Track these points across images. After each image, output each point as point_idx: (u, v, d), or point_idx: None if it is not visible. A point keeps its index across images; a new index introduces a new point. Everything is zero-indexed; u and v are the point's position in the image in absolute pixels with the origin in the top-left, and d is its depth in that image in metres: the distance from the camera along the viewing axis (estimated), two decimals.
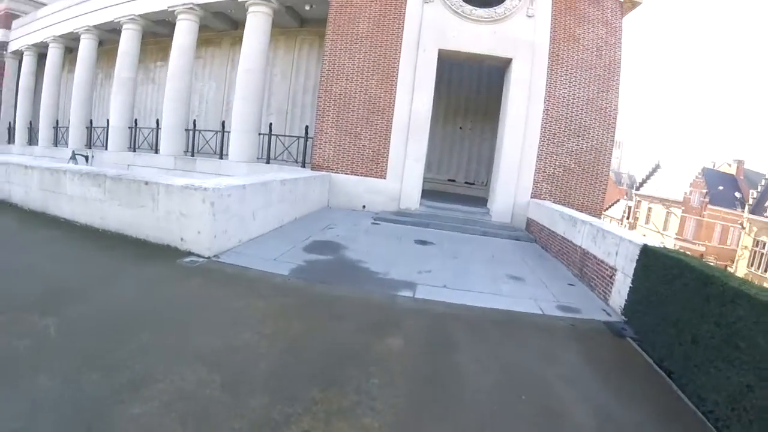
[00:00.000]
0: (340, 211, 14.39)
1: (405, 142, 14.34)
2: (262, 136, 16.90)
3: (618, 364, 5.53)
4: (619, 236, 7.76)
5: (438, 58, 14.40)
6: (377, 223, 12.86)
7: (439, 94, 19.13)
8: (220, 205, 7.76)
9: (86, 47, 21.93)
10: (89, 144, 21.92)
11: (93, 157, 20.65)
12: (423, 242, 11.02)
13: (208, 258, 7.56)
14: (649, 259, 6.55)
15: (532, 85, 14.04)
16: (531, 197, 14.30)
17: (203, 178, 9.45)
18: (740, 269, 37.63)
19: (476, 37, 14.13)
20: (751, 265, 37.00)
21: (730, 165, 51.22)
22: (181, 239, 7.85)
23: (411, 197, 14.45)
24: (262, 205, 9.58)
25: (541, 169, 14.32)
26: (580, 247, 9.41)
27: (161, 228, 8.06)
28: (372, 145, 14.71)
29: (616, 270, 7.62)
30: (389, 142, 14.57)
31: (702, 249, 44.44)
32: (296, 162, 16.51)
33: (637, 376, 5.27)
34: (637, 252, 6.89)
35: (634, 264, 6.92)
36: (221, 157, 17.23)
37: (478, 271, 8.82)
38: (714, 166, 51.30)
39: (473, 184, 20.14)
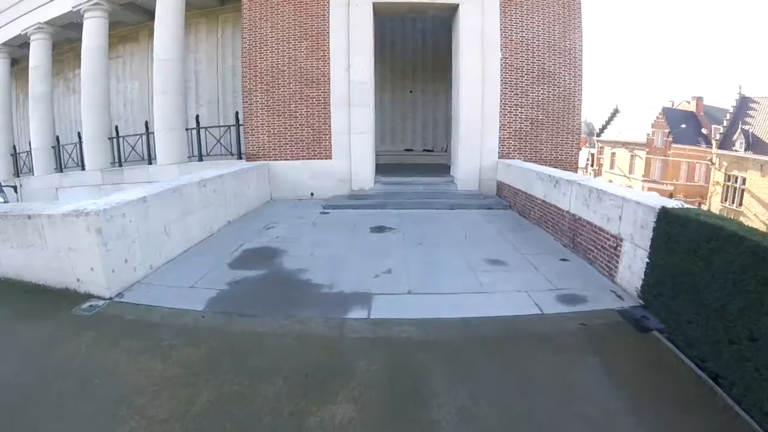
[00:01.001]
0: (284, 203, 12.54)
1: (348, 115, 12.50)
2: (190, 131, 14.92)
3: (652, 375, 4.11)
4: (620, 197, 6.26)
5: (374, 14, 12.52)
6: (326, 212, 11.10)
7: (381, 57, 17.52)
8: (111, 230, 5.94)
9: None
10: (17, 172, 19.85)
11: (21, 186, 18.75)
12: (381, 229, 9.34)
13: (109, 299, 5.79)
14: (672, 226, 5.00)
15: (485, 33, 12.33)
16: (498, 158, 12.72)
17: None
18: (714, 205, 37.17)
19: None
20: (725, 201, 36.54)
21: (689, 102, 50.97)
22: (78, 280, 6.04)
23: (363, 176, 12.70)
24: (178, 215, 7.76)
25: (506, 125, 12.71)
26: (568, 212, 7.89)
27: (54, 268, 6.20)
28: (311, 123, 12.83)
29: (621, 240, 6.13)
30: (329, 117, 12.72)
31: (670, 188, 44.33)
32: (231, 154, 14.61)
33: (676, 384, 3.97)
34: (652, 217, 5.36)
35: (650, 232, 5.39)
36: (150, 163, 15.22)
37: (450, 260, 7.17)
38: (673, 106, 51.14)
39: (432, 151, 18.47)
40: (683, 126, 45.19)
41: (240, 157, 14.05)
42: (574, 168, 13.28)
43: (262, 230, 9.34)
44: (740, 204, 34.95)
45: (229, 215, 10.05)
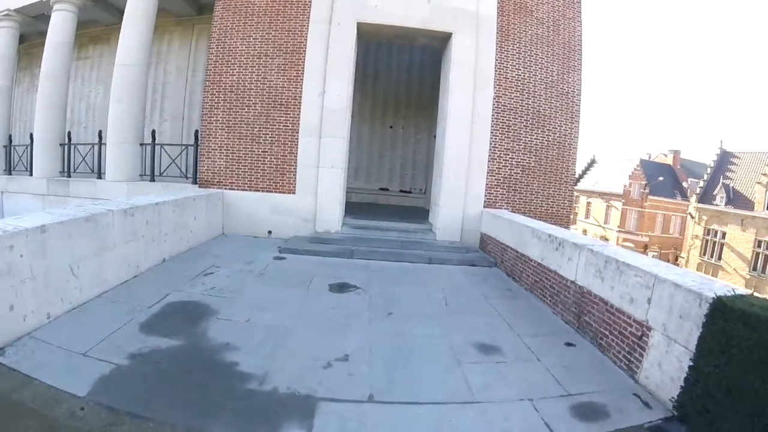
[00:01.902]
0: (236, 240, 10.87)
1: (317, 146, 11.04)
2: (144, 147, 13.22)
3: None
4: (650, 274, 4.90)
5: (357, 35, 11.26)
6: (282, 258, 9.46)
7: (363, 88, 16.27)
8: None
9: None
10: None
11: None
12: (343, 287, 7.71)
13: None
14: (733, 325, 3.71)
15: (479, 67, 11.16)
16: (484, 207, 11.37)
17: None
18: (692, 259, 37.40)
19: (406, 5, 11.02)
20: (704, 254, 36.40)
21: (666, 155, 52.40)
22: None
23: (330, 216, 11.13)
24: (91, 251, 6.13)
25: (494, 170, 11.42)
26: (573, 282, 6.50)
27: None
28: (275, 151, 11.32)
29: (649, 329, 4.76)
30: (296, 145, 11.25)
31: (645, 240, 45.17)
32: (186, 177, 12.87)
33: None
34: (699, 307, 4.10)
35: (693, 326, 4.14)
36: (99, 177, 13.41)
37: (428, 343, 5.61)
38: (650, 158, 52.08)
39: (410, 192, 17.05)
40: (660, 178, 45.86)
41: (195, 182, 12.38)
42: (566, 223, 12.07)
43: (199, 276, 7.65)
44: (719, 258, 34.95)
45: (166, 252, 8.44)
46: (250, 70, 11.34)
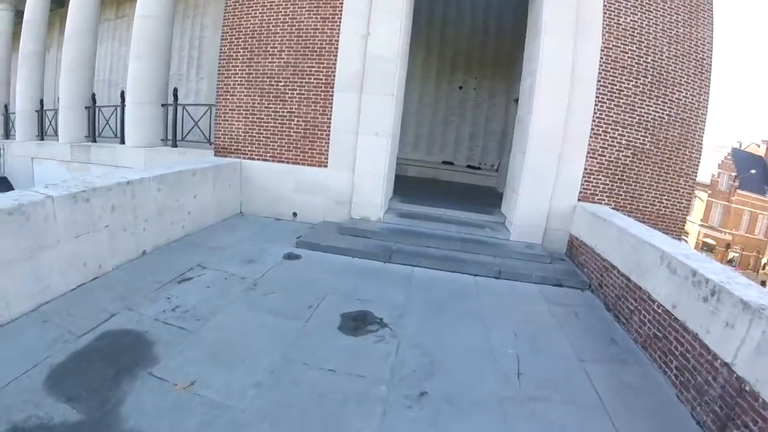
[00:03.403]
0: (251, 224, 8.73)
1: (357, 105, 8.46)
2: (167, 108, 11.50)
3: None
4: None
5: None
6: (295, 256, 7.15)
7: (427, 35, 13.54)
8: None
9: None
10: (6, 134, 17.68)
11: (4, 150, 16.43)
12: (361, 322, 5.26)
13: None
14: None
15: (582, 5, 7.98)
16: (579, 200, 8.45)
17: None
18: None
19: None
20: None
21: (758, 146, 47.22)
22: None
23: (370, 199, 8.64)
24: (20, 253, 4.44)
25: (596, 151, 8.48)
26: (727, 367, 3.82)
27: None
28: (303, 111, 8.93)
29: None
30: (331, 105, 8.75)
31: (728, 238, 41.91)
32: (209, 143, 10.85)
33: None
34: None
35: None
36: (123, 141, 11.91)
37: None
38: (741, 147, 47.08)
39: (479, 168, 14.23)
40: (753, 171, 41.43)
41: None
42: (680, 231, 9.20)
43: (171, 283, 5.61)
44: None
45: (147, 242, 6.51)
46: (276, 9, 8.90)
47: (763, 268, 41.38)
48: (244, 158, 9.29)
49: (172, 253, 6.58)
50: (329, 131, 8.60)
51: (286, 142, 8.96)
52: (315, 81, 8.64)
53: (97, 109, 13.22)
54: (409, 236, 7.86)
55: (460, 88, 14.26)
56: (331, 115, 8.55)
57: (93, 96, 13.20)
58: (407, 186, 11.05)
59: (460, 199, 10.51)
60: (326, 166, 8.75)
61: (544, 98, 7.84)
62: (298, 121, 8.81)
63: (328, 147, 8.66)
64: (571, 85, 7.90)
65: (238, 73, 9.23)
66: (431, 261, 7.00)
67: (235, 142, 9.38)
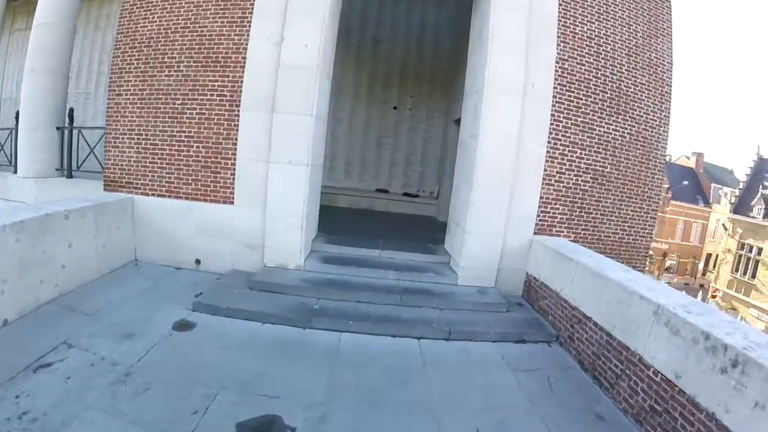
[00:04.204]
0: (145, 276, 6.99)
1: (268, 126, 6.91)
2: (63, 131, 9.49)
3: None
4: None
5: None
6: (189, 325, 5.52)
7: (358, 52, 12.27)
8: None
9: None
10: None
11: None
12: None
13: None
14: None
15: (534, 8, 6.89)
16: (535, 232, 7.21)
17: None
18: (722, 275, 33.91)
19: None
20: (736, 271, 32.45)
21: (688, 158, 50.16)
22: None
23: (286, 243, 7.03)
24: None
25: (553, 176, 7.39)
26: None
27: None
28: (204, 136, 7.33)
29: None
30: (236, 126, 7.12)
31: (665, 247, 43.54)
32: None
33: None
34: None
35: None
36: (16, 171, 9.78)
37: None
38: (671, 160, 49.25)
39: (417, 196, 12.80)
40: (685, 182, 44.19)
41: None
42: (643, 259, 8.25)
43: (25, 372, 4.08)
44: (753, 276, 30.82)
45: (8, 308, 5.03)
46: (177, 13, 7.34)
47: (703, 274, 42.75)
48: (138, 193, 7.54)
49: (38, 323, 4.95)
50: (235, 158, 7.00)
51: (184, 174, 7.29)
52: (218, 98, 7.05)
53: None
54: (336, 289, 6.32)
55: (395, 108, 13.06)
56: (237, 139, 6.96)
57: None
58: (336, 220, 9.58)
59: (398, 233, 9.15)
60: (232, 202, 7.10)
61: (491, 118, 6.60)
62: (197, 147, 7.17)
63: (234, 179, 7.04)
64: (524, 102, 6.72)
65: (130, 89, 7.53)
66: (363, 323, 5.49)
67: (126, 173, 7.61)
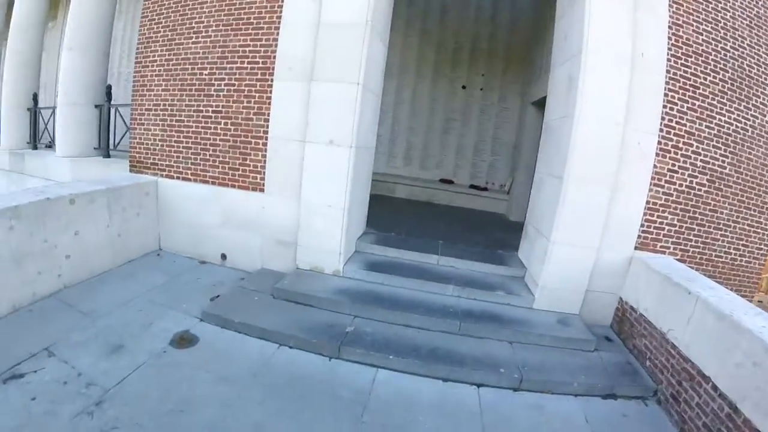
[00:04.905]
0: (163, 269, 6.09)
1: (304, 97, 5.65)
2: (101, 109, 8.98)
3: None
4: None
5: None
6: (189, 342, 4.42)
7: (423, 24, 11.19)
8: None
9: None
10: None
11: None
12: None
13: None
14: None
15: None
16: (636, 247, 5.63)
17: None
18: None
19: None
20: None
21: None
22: None
23: (324, 243, 5.83)
24: None
25: (663, 175, 5.70)
26: None
27: None
28: (233, 111, 6.22)
29: None
30: (268, 100, 5.95)
31: None
32: None
33: None
34: None
35: None
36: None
37: None
38: None
39: (485, 189, 11.35)
40: None
41: None
42: (752, 288, 6.54)
43: None
44: None
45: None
46: None
47: None
48: (163, 176, 6.63)
49: (28, 321, 4.28)
50: (267, 139, 5.85)
51: (210, 155, 6.23)
52: (249, 66, 5.91)
53: (38, 111, 10.85)
54: (378, 305, 5.04)
55: (464, 87, 11.52)
56: (269, 114, 5.81)
57: (35, 96, 10.81)
58: (391, 213, 8.36)
59: (462, 234, 7.75)
60: (263, 190, 5.96)
61: (591, 93, 5.03)
62: (226, 123, 6.08)
63: (265, 162, 5.89)
64: (632, 74, 5.13)
65: (156, 60, 6.62)
66: (407, 359, 4.19)
67: (151, 153, 6.72)
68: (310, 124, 5.42)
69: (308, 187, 5.57)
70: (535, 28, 10.25)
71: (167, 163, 6.61)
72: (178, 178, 6.54)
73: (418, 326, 4.79)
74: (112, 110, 8.69)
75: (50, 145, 10.32)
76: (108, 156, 8.71)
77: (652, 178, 5.52)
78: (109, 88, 8.79)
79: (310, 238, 5.69)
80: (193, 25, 6.27)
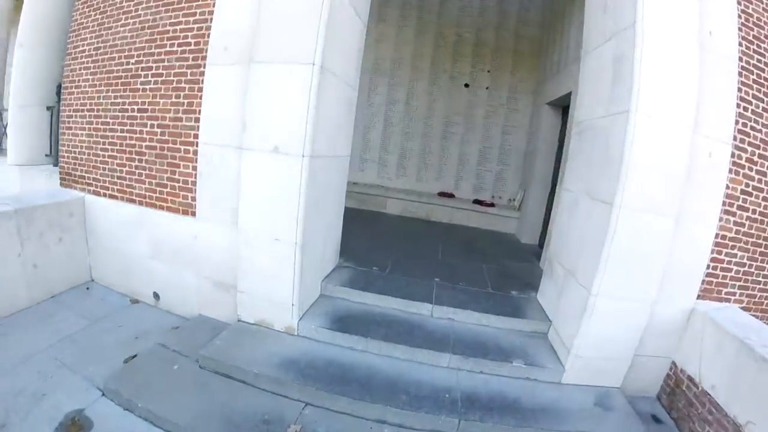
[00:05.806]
0: (85, 311, 4.66)
1: (242, 84, 4.04)
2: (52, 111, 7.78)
3: None
4: None
5: None
6: (77, 430, 2.97)
7: (419, 14, 9.95)
8: None
9: None
10: None
11: None
12: None
13: None
14: None
15: None
16: (698, 296, 4.05)
17: None
18: None
19: None
20: None
21: None
22: None
23: (273, 286, 4.21)
24: None
25: (736, 198, 4.14)
26: None
27: None
28: (160, 107, 4.73)
29: None
30: (199, 91, 4.42)
31: None
32: None
33: None
34: None
35: None
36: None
37: None
38: None
39: (492, 205, 9.86)
40: None
41: None
42: None
43: None
44: None
45: None
46: None
47: None
48: (90, 192, 5.26)
49: None
50: (197, 143, 4.36)
51: (136, 166, 4.79)
52: (180, 49, 4.46)
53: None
54: (342, 387, 3.50)
55: (466, 86, 10.03)
56: (200, 110, 4.33)
57: None
58: (377, 236, 6.91)
59: (463, 265, 6.23)
60: (194, 213, 4.48)
61: (652, 80, 3.49)
62: (152, 126, 4.63)
63: (196, 174, 4.42)
64: (701, 65, 3.64)
65: (85, 51, 5.31)
66: None
67: (79, 164, 5.37)
68: (247, 124, 3.89)
69: (247, 213, 4.03)
70: (550, 16, 8.84)
71: (94, 176, 5.22)
72: (105, 195, 5.13)
73: (399, 424, 3.25)
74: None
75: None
76: (57, 164, 7.30)
77: (723, 203, 4.04)
78: (59, 87, 7.49)
79: (254, 282, 4.16)
80: (124, 4, 4.89)
